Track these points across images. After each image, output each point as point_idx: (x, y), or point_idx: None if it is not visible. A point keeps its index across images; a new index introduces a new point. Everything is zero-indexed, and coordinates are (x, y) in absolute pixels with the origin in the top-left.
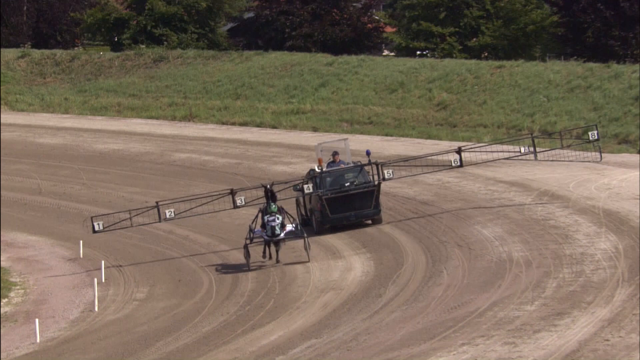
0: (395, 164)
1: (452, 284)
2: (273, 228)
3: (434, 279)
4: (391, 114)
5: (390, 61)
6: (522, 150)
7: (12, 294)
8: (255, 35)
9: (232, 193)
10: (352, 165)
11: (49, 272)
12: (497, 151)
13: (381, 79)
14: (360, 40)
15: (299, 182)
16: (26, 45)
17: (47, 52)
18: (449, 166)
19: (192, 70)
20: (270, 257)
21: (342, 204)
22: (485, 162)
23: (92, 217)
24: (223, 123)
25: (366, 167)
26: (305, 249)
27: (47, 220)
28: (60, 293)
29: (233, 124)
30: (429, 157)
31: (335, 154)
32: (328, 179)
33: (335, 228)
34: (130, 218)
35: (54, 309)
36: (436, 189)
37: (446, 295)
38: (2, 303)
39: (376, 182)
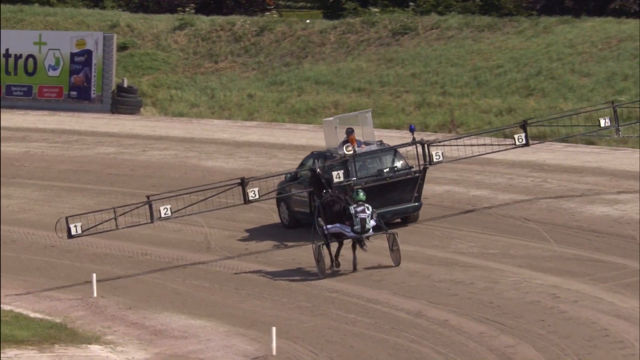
0: (445, 143)
1: None
2: (364, 221)
3: None
4: None
5: None
6: (603, 123)
7: None
8: None
9: (243, 184)
10: (387, 146)
11: None
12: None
13: None
14: None
15: (292, 170)
16: (187, 10)
17: (220, 19)
18: (512, 145)
19: (454, 48)
20: (333, 262)
21: (376, 196)
22: (557, 139)
23: (67, 218)
24: (505, 135)
25: (404, 148)
26: (392, 248)
27: (219, 294)
28: None
29: None
30: (487, 134)
31: (350, 132)
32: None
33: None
34: (115, 218)
35: None
36: None
37: None
38: None
39: (420, 168)
